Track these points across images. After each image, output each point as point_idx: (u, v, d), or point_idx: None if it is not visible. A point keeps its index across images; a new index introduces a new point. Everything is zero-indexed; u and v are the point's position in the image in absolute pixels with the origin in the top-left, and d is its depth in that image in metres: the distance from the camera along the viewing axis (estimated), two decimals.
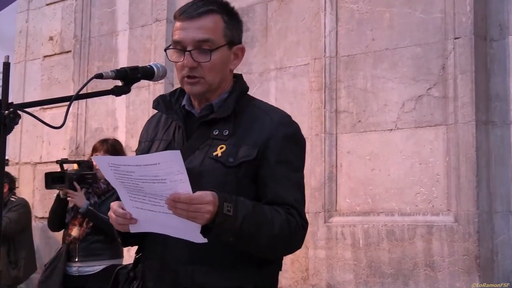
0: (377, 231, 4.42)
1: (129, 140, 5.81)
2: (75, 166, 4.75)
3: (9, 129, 1.68)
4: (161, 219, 1.83)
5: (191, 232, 1.82)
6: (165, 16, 5.84)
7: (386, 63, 4.55)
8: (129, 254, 5.03)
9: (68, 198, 4.51)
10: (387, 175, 4.46)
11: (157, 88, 5.67)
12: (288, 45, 5.15)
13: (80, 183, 4.50)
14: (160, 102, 2.10)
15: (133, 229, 1.93)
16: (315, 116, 4.75)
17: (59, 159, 4.75)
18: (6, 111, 1.69)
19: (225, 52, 2.03)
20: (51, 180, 4.53)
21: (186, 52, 1.98)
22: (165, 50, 2.08)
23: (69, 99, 1.80)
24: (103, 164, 1.84)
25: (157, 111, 2.16)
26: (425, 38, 4.41)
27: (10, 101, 1.77)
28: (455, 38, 4.28)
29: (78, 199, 4.48)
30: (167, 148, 2.05)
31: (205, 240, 1.82)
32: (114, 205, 1.95)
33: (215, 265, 1.93)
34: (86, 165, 4.70)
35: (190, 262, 1.93)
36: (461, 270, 4.07)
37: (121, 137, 5.75)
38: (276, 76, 5.17)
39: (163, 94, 2.15)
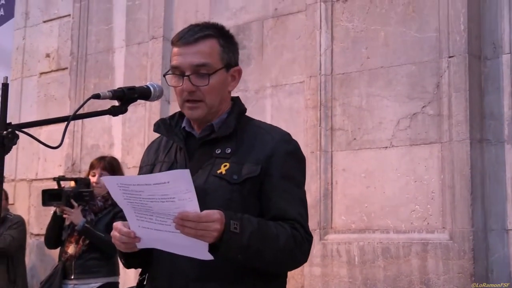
0: (373, 248, 4.43)
1: (125, 157, 5.82)
2: (72, 183, 4.76)
3: (7, 150, 1.69)
4: (168, 238, 1.85)
5: (198, 250, 1.84)
6: (161, 34, 5.86)
7: (381, 81, 4.58)
8: (125, 272, 5.03)
9: (65, 215, 4.51)
10: (382, 193, 4.47)
11: (154, 105, 5.69)
12: (284, 63, 5.18)
13: (77, 200, 4.51)
14: (160, 125, 2.15)
15: (139, 245, 1.95)
16: (311, 134, 4.77)
17: (56, 176, 4.76)
18: (5, 132, 1.71)
19: (222, 75, 2.07)
20: (48, 197, 4.54)
21: (185, 77, 2.03)
22: (164, 76, 2.12)
23: (66, 119, 1.82)
24: (112, 184, 1.86)
25: (158, 134, 2.20)
26: (420, 56, 4.44)
27: (8, 120, 1.79)
28: (450, 57, 4.31)
29: (75, 216, 4.48)
30: (170, 169, 2.08)
31: (211, 258, 1.84)
32: (118, 224, 1.96)
33: (224, 280, 1.96)
34: (83, 183, 4.71)
35: (199, 278, 1.95)
36: None
37: (117, 154, 5.76)
38: (272, 94, 5.20)
39: (163, 118, 2.20)
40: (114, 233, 1.97)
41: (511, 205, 4.18)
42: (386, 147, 4.49)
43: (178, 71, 2.05)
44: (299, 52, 5.07)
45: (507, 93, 4.27)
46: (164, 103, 5.66)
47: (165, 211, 1.80)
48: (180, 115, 2.18)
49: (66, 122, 1.84)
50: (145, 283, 2.12)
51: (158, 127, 2.15)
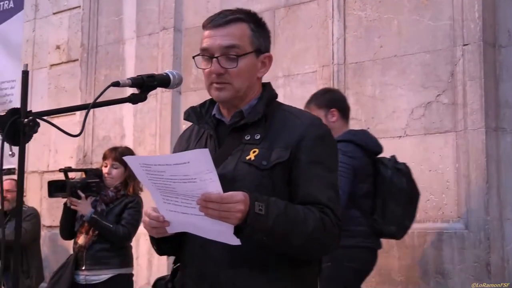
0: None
1: (137, 148, 5.81)
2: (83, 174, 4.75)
3: (28, 137, 1.68)
4: (194, 221, 1.83)
5: (224, 234, 1.82)
6: (172, 25, 5.84)
7: (394, 70, 4.55)
8: (137, 263, 5.03)
9: (72, 207, 4.50)
10: None
11: (165, 96, 5.68)
12: (296, 53, 5.14)
13: (85, 191, 4.49)
14: (190, 114, 2.13)
15: (170, 229, 1.94)
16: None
17: (62, 167, 4.75)
18: (26, 119, 1.69)
19: (252, 59, 2.05)
20: (54, 188, 4.52)
21: (214, 59, 2.01)
22: (193, 58, 2.11)
23: (86, 107, 1.80)
24: (135, 164, 1.84)
25: (189, 122, 2.18)
26: (434, 45, 4.41)
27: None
28: (464, 45, 4.28)
29: (82, 207, 4.46)
30: None
31: (238, 242, 1.81)
32: (148, 209, 1.96)
33: (256, 268, 1.93)
34: (94, 173, 4.69)
35: (231, 266, 1.93)
36: (472, 277, 4.06)
37: (129, 145, 5.71)
38: (284, 84, 5.16)
39: (193, 106, 2.17)
40: (144, 218, 1.96)
41: None
42: (400, 136, 4.46)
43: (207, 53, 2.04)
44: (311, 42, 5.04)
45: None
46: (175, 94, 5.64)
47: (188, 192, 1.78)
48: (210, 103, 2.17)
49: (83, 111, 1.83)
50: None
51: (188, 115, 2.14)
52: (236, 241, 1.81)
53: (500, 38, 4.35)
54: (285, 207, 1.88)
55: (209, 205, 1.76)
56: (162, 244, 2.06)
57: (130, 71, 6.06)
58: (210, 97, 2.16)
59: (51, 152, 6.87)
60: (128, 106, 5.73)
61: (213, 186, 1.75)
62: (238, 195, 1.79)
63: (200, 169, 1.73)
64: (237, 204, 1.78)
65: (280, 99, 5.46)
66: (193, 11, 5.76)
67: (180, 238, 2.01)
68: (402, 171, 3.83)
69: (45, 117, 1.80)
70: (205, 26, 2.08)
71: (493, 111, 4.24)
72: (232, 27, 2.04)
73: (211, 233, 1.86)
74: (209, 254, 1.95)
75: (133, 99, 1.93)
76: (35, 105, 6.87)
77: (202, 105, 2.17)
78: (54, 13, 7.16)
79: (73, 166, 5.77)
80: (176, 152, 2.20)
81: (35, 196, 6.88)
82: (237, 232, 1.81)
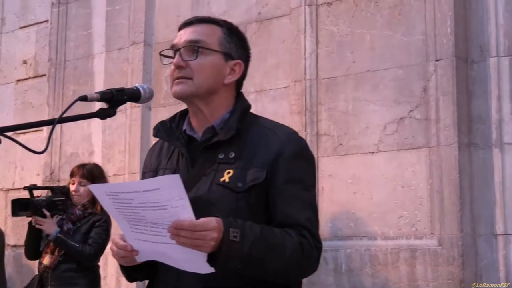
0: (360, 255, 4.36)
1: (106, 165, 5.69)
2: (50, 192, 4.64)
3: None
4: (164, 250, 1.74)
5: (197, 262, 1.72)
6: (142, 39, 5.75)
7: (367, 85, 4.52)
8: (105, 282, 4.91)
9: (37, 226, 4.38)
10: (369, 199, 4.40)
11: (135, 112, 5.58)
12: (268, 68, 5.09)
13: (50, 209, 4.38)
14: (160, 130, 2.04)
15: (139, 258, 1.85)
16: None
17: (27, 185, 4.63)
18: None
19: (218, 59, 1.98)
20: (18, 207, 4.41)
21: (177, 52, 1.95)
22: (160, 53, 2.05)
23: (51, 122, 1.71)
24: (100, 192, 1.75)
25: (158, 138, 2.09)
26: (407, 60, 4.39)
27: None
28: (436, 60, 4.27)
29: (47, 226, 4.35)
30: None
31: (212, 270, 1.73)
32: (115, 237, 1.86)
33: None
34: (60, 191, 4.58)
35: None
36: None
37: (97, 162, 5.62)
38: (256, 99, 5.10)
39: (162, 121, 2.07)
40: (111, 246, 1.87)
41: (500, 210, 4.14)
42: (373, 152, 4.42)
43: (173, 48, 2.00)
44: (284, 57, 4.99)
45: (494, 97, 4.23)
46: (145, 109, 5.55)
47: (158, 220, 1.69)
48: (180, 116, 2.08)
49: (47, 127, 1.75)
50: None
51: (158, 131, 2.04)
52: (209, 269, 1.72)
53: (472, 53, 4.35)
54: (261, 232, 1.79)
55: (181, 233, 1.67)
56: (132, 272, 1.97)
57: (99, 86, 5.95)
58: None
59: (17, 169, 6.71)
60: (96, 122, 5.63)
61: (185, 213, 1.66)
62: (212, 222, 1.70)
63: (171, 196, 1.64)
64: (211, 231, 1.68)
65: None
66: (164, 25, 5.69)
67: (151, 263, 1.92)
68: None
69: (7, 133, 1.70)
70: (179, 28, 2.05)
71: (466, 127, 4.23)
72: (203, 26, 2.00)
73: (182, 262, 1.76)
74: (183, 281, 1.86)
75: (102, 114, 1.84)
76: (1, 122, 6.74)
77: (172, 119, 2.08)
78: (21, 27, 7.03)
79: (40, 184, 5.66)
80: (146, 167, 2.12)
81: (0, 214, 6.71)
82: (211, 260, 1.73)
